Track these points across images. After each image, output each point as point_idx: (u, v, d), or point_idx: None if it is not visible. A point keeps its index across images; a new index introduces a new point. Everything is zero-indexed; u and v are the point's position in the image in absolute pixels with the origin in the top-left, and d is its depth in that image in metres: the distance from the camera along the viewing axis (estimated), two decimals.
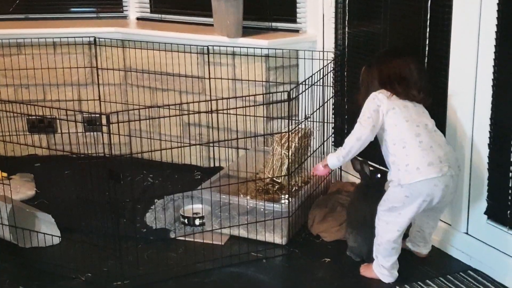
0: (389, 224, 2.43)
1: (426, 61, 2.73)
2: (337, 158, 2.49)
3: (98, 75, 3.78)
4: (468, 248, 2.65)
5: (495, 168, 2.51)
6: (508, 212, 2.49)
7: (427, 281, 2.52)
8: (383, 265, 2.50)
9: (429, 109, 2.50)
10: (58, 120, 3.71)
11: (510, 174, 2.45)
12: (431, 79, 2.69)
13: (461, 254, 2.67)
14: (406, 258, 2.62)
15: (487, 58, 2.44)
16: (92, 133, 3.68)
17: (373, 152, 2.56)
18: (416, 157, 2.35)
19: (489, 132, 2.50)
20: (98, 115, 3.74)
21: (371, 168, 2.63)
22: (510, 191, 2.47)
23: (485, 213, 2.57)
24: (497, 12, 2.38)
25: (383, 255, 2.48)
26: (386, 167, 2.53)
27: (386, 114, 2.41)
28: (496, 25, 2.39)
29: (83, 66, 3.78)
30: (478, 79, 2.50)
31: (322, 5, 3.34)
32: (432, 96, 2.57)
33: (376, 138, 2.48)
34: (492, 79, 2.45)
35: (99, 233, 2.82)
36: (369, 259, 2.59)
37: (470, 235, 2.65)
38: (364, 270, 2.59)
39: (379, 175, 2.57)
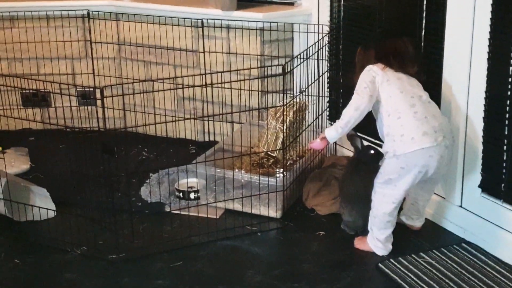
0: (385, 197, 2.43)
1: (423, 33, 2.71)
2: (335, 130, 2.47)
3: (92, 49, 3.74)
4: (462, 221, 2.65)
5: (490, 141, 2.50)
6: (502, 185, 2.49)
7: (421, 253, 2.53)
8: (377, 237, 2.50)
9: (423, 84, 2.48)
10: (52, 94, 3.69)
11: (504, 147, 2.45)
12: (426, 51, 2.67)
13: (455, 227, 2.68)
14: (400, 231, 2.62)
15: (483, 31, 2.42)
16: (86, 107, 3.66)
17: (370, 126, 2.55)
18: (411, 127, 2.34)
19: (484, 105, 2.49)
20: (92, 89, 3.71)
21: (365, 144, 2.61)
22: (504, 164, 2.46)
23: (479, 186, 2.57)
24: None
25: (378, 228, 2.49)
26: (381, 141, 2.53)
27: (380, 86, 2.40)
28: None
29: (77, 39, 3.74)
30: (473, 51, 2.48)
31: None
32: (427, 69, 2.55)
33: (370, 111, 2.47)
34: (488, 52, 2.43)
35: (94, 207, 2.82)
36: (364, 233, 2.59)
37: (464, 208, 2.65)
38: (358, 243, 2.59)
39: (372, 152, 2.55)
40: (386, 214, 2.45)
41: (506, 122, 2.42)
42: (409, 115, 2.36)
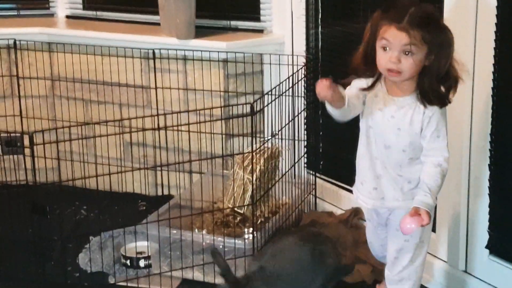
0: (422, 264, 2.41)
1: None
2: (432, 198, 2.14)
3: (19, 86, 3.74)
4: None
5: (498, 191, 2.54)
6: None
7: None
8: None
9: None
10: None
11: None
12: None
13: None
14: None
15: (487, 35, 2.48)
16: (11, 156, 3.62)
17: None
18: None
19: (490, 150, 2.53)
20: (19, 135, 3.69)
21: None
22: None
23: (487, 247, 2.60)
24: None
25: None
26: None
27: None
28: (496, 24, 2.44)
29: (1, 74, 3.73)
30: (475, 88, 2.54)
31: (290, 0, 3.38)
32: None
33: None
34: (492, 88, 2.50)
35: (20, 280, 2.78)
36: None
37: (470, 274, 2.68)
38: None
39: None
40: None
41: None
42: None
